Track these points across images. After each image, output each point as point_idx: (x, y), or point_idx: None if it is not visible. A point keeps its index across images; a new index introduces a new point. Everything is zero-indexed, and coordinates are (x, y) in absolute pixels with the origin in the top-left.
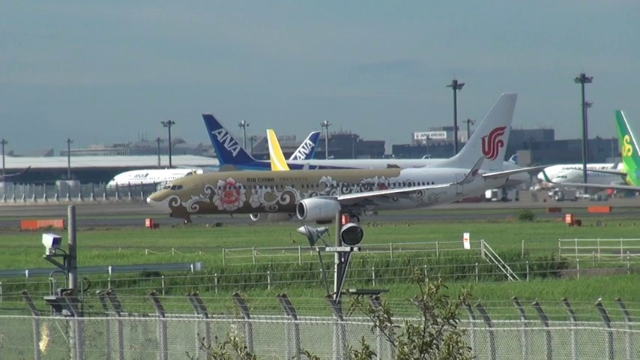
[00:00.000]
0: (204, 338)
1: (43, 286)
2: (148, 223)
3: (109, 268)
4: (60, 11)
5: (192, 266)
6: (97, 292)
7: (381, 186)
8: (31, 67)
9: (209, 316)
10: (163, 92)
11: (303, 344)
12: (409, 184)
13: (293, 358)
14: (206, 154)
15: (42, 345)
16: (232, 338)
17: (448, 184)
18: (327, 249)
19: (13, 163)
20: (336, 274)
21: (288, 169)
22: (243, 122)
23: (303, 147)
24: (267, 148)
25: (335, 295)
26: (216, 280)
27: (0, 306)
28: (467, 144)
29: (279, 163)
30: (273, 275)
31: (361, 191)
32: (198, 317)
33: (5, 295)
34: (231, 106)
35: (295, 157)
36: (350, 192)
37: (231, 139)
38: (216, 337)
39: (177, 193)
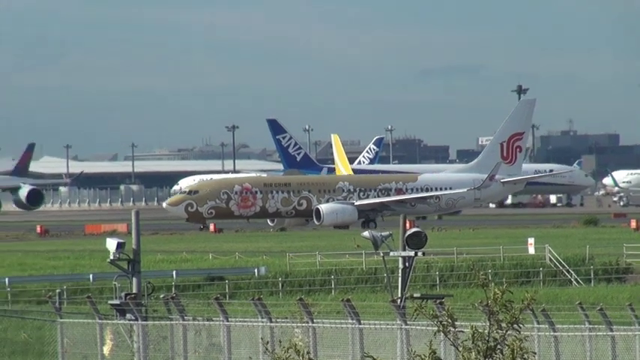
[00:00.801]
0: (268, 342)
1: (107, 291)
2: (212, 227)
3: (173, 272)
4: (125, 16)
5: (256, 271)
6: (161, 296)
7: (399, 191)
8: (97, 71)
9: (273, 320)
10: (228, 97)
11: (367, 349)
12: (427, 190)
13: None
14: (270, 159)
15: (106, 349)
16: (296, 343)
17: (465, 190)
18: (392, 254)
19: (77, 167)
20: (400, 278)
21: (352, 173)
22: (307, 127)
23: (367, 152)
24: (332, 153)
25: (399, 300)
26: (280, 284)
27: (64, 310)
28: (485, 149)
29: (343, 168)
30: (337, 280)
31: (378, 196)
32: (262, 322)
33: (69, 300)
34: (295, 110)
35: (359, 162)
36: (367, 197)
37: (296, 144)
38: (279, 342)
39: (194, 199)
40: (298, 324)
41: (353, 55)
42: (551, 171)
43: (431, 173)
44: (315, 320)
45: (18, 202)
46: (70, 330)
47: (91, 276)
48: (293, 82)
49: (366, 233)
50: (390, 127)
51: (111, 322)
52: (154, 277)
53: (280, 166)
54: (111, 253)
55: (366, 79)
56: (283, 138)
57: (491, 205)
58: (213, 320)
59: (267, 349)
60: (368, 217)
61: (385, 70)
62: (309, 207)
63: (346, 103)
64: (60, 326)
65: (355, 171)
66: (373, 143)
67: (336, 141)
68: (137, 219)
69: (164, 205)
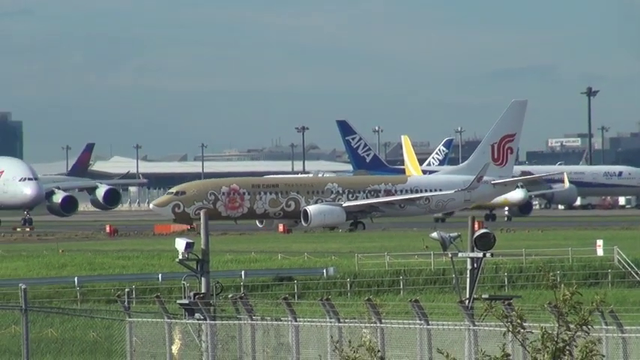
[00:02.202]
0: (337, 341)
1: (176, 290)
2: (281, 227)
3: (242, 272)
4: (197, 16)
5: (325, 271)
6: (230, 296)
7: (388, 193)
8: (166, 71)
9: (341, 320)
10: (298, 98)
11: (439, 348)
12: (416, 191)
13: None
14: (339, 160)
15: (174, 349)
16: (366, 342)
17: (452, 191)
18: (460, 255)
19: (147, 168)
20: (468, 279)
21: (422, 174)
22: (377, 128)
23: (436, 153)
24: (401, 154)
25: (467, 301)
26: (348, 285)
27: (133, 310)
28: (476, 151)
29: (413, 169)
30: (405, 280)
31: (367, 198)
32: (330, 322)
33: (138, 299)
34: (365, 111)
35: (429, 164)
36: (356, 199)
37: (365, 145)
38: (349, 342)
39: (181, 199)
40: (366, 324)
41: (423, 56)
42: (620, 173)
43: (421, 175)
44: (383, 321)
45: (95, 202)
46: (139, 329)
47: (159, 276)
48: (363, 83)
49: (434, 234)
50: (459, 128)
51: (179, 321)
52: (222, 277)
53: (350, 167)
54: (180, 253)
55: (436, 81)
56: (353, 139)
57: (560, 207)
58: (281, 320)
59: (336, 347)
60: (356, 218)
61: (456, 71)
62: (298, 208)
63: (416, 105)
64: (129, 325)
65: (425, 172)
66: (443, 145)
67: (406, 142)
68: (206, 219)
69: (151, 205)
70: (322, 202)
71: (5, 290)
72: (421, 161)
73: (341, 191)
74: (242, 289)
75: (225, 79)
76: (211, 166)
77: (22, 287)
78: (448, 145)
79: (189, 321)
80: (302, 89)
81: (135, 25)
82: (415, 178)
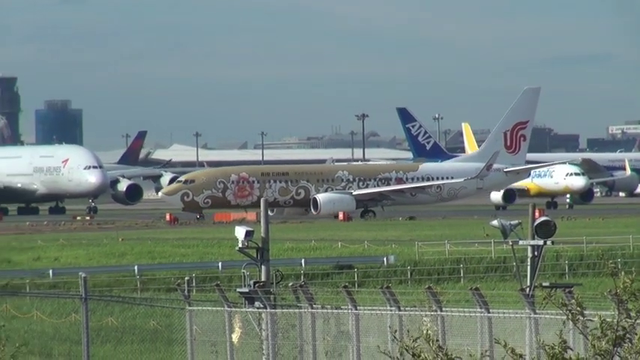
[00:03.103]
0: (396, 331)
1: (235, 279)
2: (341, 216)
3: (302, 260)
4: (256, 4)
5: (385, 259)
6: (290, 284)
7: (399, 181)
8: (226, 59)
9: (401, 309)
10: (357, 85)
11: (496, 338)
12: (428, 179)
13: (486, 351)
14: (399, 148)
15: (234, 337)
16: (425, 331)
17: (462, 179)
18: (520, 242)
19: (206, 156)
20: (529, 267)
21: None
22: (437, 115)
23: None
24: (461, 142)
25: (528, 289)
26: (409, 273)
27: (193, 298)
28: (488, 138)
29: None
30: (466, 269)
31: (378, 186)
32: (390, 310)
33: (198, 287)
34: (425, 99)
35: None
36: (367, 187)
37: (425, 133)
38: (407, 331)
39: (189, 188)
40: (427, 312)
41: (484, 43)
42: None
43: (433, 162)
44: (443, 309)
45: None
46: (199, 318)
47: (219, 264)
48: (423, 70)
49: (495, 222)
50: None
51: (240, 310)
52: (282, 265)
53: (410, 155)
54: (239, 242)
55: (496, 68)
56: (413, 126)
57: (621, 194)
58: (341, 308)
59: (394, 337)
60: (367, 206)
61: (516, 58)
62: (308, 196)
63: (476, 92)
64: (189, 314)
65: None
66: None
67: (466, 130)
68: (266, 207)
69: (159, 194)
70: (332, 190)
71: (66, 279)
72: None
73: (351, 179)
74: (302, 277)
75: (285, 67)
76: (271, 154)
77: (82, 276)
78: None
79: (250, 309)
80: (362, 76)
81: (196, 12)
82: (427, 166)
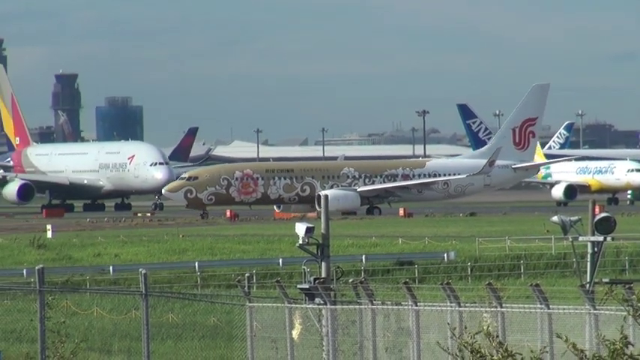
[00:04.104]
0: (455, 328)
1: (296, 275)
2: (401, 212)
3: (363, 257)
4: (316, 0)
5: (445, 255)
6: (350, 280)
7: (406, 177)
8: (288, 55)
9: (462, 305)
10: (418, 81)
11: (557, 333)
12: (435, 176)
13: (545, 347)
14: (460, 144)
15: (295, 333)
16: (484, 327)
17: (464, 176)
18: (580, 239)
19: (267, 152)
20: (589, 263)
21: (544, 158)
22: (497, 112)
23: (557, 137)
24: None
25: (588, 285)
26: (469, 269)
27: (254, 294)
28: (496, 135)
29: (535, 153)
30: (526, 265)
31: (384, 182)
32: (450, 306)
33: (259, 284)
34: (485, 95)
35: (550, 147)
36: (373, 183)
37: (486, 129)
38: (465, 327)
39: (193, 185)
40: (487, 309)
41: (544, 39)
42: None
43: (441, 159)
44: (503, 305)
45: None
46: (260, 314)
47: (280, 260)
48: (484, 66)
49: (555, 218)
50: (580, 112)
51: (300, 306)
52: (343, 261)
53: (470, 151)
54: (300, 238)
55: (556, 64)
56: (473, 123)
57: None
58: (402, 305)
59: (453, 334)
60: (372, 203)
61: (577, 54)
62: (313, 193)
63: None
64: (249, 310)
65: (547, 156)
66: (563, 128)
67: None
68: (326, 203)
69: (163, 191)
70: (338, 187)
71: (126, 275)
72: (542, 145)
73: (357, 176)
74: (363, 273)
75: (345, 63)
76: (332, 151)
77: (143, 272)
78: (569, 128)
79: (310, 306)
80: (423, 73)
81: (257, 8)
82: (434, 163)
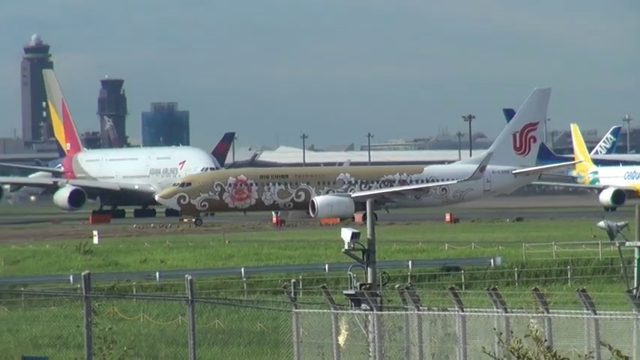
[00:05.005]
0: (501, 333)
1: (342, 281)
2: (448, 217)
3: (409, 262)
4: (360, 5)
5: (492, 261)
6: (396, 286)
7: (403, 183)
8: (333, 60)
9: (508, 310)
10: (464, 86)
11: (603, 339)
12: (432, 181)
13: (591, 352)
14: None
15: (341, 339)
16: (531, 332)
17: (455, 181)
18: (627, 244)
19: (313, 157)
20: (635, 269)
21: (592, 164)
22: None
23: (604, 141)
24: (569, 143)
25: (635, 290)
26: (516, 274)
27: (300, 300)
28: (497, 140)
29: (582, 158)
30: (573, 270)
31: (381, 188)
32: (497, 312)
33: (305, 290)
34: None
35: (597, 152)
36: (369, 189)
37: None
38: (511, 332)
39: (186, 191)
40: (533, 314)
41: (590, 43)
42: None
43: (437, 164)
44: (550, 310)
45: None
46: (306, 320)
47: (326, 266)
48: (530, 70)
49: (601, 223)
50: (627, 116)
51: (346, 312)
52: (389, 267)
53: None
54: (345, 243)
55: (603, 68)
56: None
57: None
58: (448, 310)
59: (500, 340)
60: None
61: (624, 58)
62: (308, 199)
63: (583, 93)
64: (295, 316)
65: (594, 161)
66: (610, 133)
67: (575, 131)
68: (371, 208)
69: (156, 197)
70: (334, 192)
71: (172, 281)
72: (589, 149)
73: (353, 182)
74: (409, 279)
75: (392, 68)
76: (378, 156)
77: (188, 278)
78: (616, 133)
79: (356, 311)
80: (469, 77)
81: (305, 14)
82: (431, 168)
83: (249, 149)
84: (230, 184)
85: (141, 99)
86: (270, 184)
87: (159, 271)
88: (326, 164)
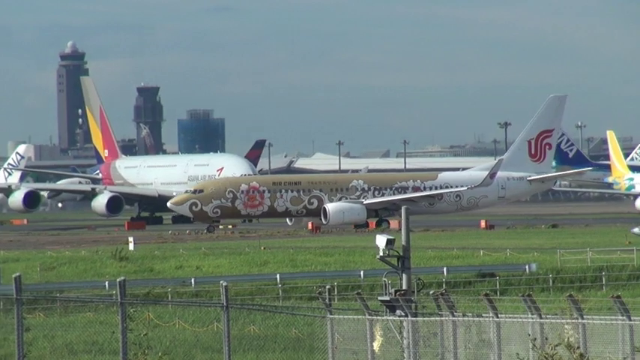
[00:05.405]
0: (535, 339)
1: (377, 287)
2: (483, 224)
3: (444, 268)
4: (399, 13)
5: (527, 267)
6: (431, 292)
7: (416, 189)
8: (368, 67)
9: (543, 317)
10: (500, 93)
11: (638, 345)
12: (445, 188)
13: (625, 358)
14: None
15: (376, 345)
16: (565, 339)
17: (465, 188)
18: None
19: (349, 164)
20: None
21: (627, 170)
22: (579, 123)
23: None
24: (605, 149)
25: None
26: (551, 281)
27: (335, 306)
28: (512, 147)
29: (618, 165)
30: (608, 276)
31: (394, 195)
32: (532, 318)
33: (340, 296)
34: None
35: (632, 159)
36: (382, 196)
37: (568, 140)
38: (546, 339)
39: (198, 197)
40: (568, 320)
41: (625, 49)
42: None
43: (451, 171)
44: (585, 317)
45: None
46: (341, 326)
47: (361, 272)
48: (565, 77)
49: (635, 229)
50: None
51: (381, 318)
52: (424, 273)
53: (552, 163)
54: (380, 250)
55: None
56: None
57: None
58: (483, 316)
59: (534, 345)
60: (380, 216)
61: None
62: (321, 206)
63: (619, 99)
64: (330, 322)
65: (630, 167)
66: None
67: (611, 137)
68: (407, 215)
69: (168, 204)
70: (347, 199)
71: (208, 287)
72: (625, 156)
73: (366, 188)
74: (444, 285)
75: (427, 74)
76: (413, 162)
77: (223, 284)
78: None
79: (391, 317)
80: (504, 84)
81: (341, 20)
82: (445, 175)
83: (285, 156)
84: (242, 191)
85: (177, 106)
86: (283, 190)
87: (194, 277)
88: (353, 171)
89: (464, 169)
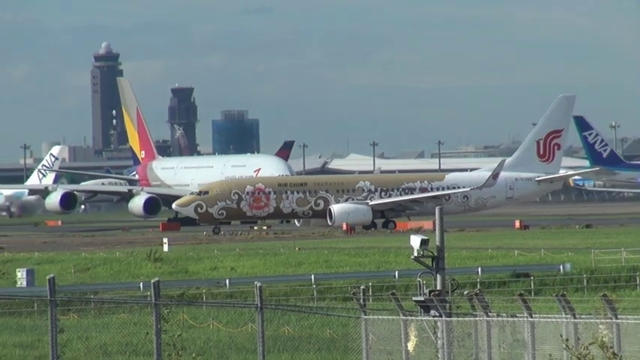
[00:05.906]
0: (567, 339)
1: (412, 287)
2: (517, 224)
3: (479, 269)
4: (435, 14)
5: (561, 267)
6: (465, 292)
7: (424, 190)
8: (403, 67)
9: (577, 316)
10: (534, 93)
11: None
12: (453, 189)
13: None
14: (576, 156)
15: (410, 345)
16: (598, 339)
17: (469, 189)
18: None
19: (383, 165)
20: None
21: None
22: (614, 124)
23: None
24: (639, 149)
25: None
26: (585, 281)
27: (369, 307)
28: (520, 147)
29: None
30: None
31: (401, 196)
32: (566, 318)
33: (375, 296)
34: (602, 107)
35: None
36: (389, 197)
37: (602, 141)
38: (578, 339)
39: (203, 199)
40: (602, 320)
41: None
42: None
43: (459, 172)
44: (619, 316)
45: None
46: (375, 326)
47: (396, 273)
48: (600, 78)
49: None
50: None
51: (415, 318)
52: (458, 273)
53: (586, 163)
54: (415, 250)
55: None
56: (590, 134)
57: None
58: (517, 317)
59: (567, 345)
60: (387, 217)
61: None
62: (327, 207)
63: None
64: (364, 323)
65: None
66: None
67: None
68: (441, 215)
69: (173, 206)
70: (353, 200)
71: (243, 288)
72: None
73: (373, 189)
74: (478, 285)
75: (462, 75)
76: (448, 163)
77: (258, 285)
78: None
79: (425, 318)
80: (539, 85)
81: (377, 21)
82: (453, 176)
83: (319, 157)
84: (248, 193)
85: (211, 107)
86: (289, 192)
87: (229, 278)
88: (383, 172)
89: (472, 169)
